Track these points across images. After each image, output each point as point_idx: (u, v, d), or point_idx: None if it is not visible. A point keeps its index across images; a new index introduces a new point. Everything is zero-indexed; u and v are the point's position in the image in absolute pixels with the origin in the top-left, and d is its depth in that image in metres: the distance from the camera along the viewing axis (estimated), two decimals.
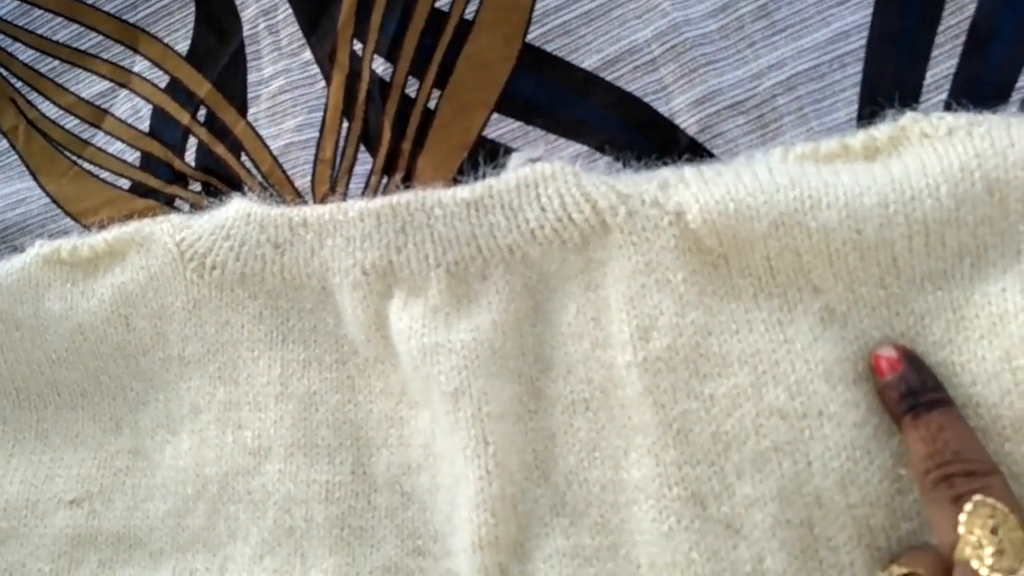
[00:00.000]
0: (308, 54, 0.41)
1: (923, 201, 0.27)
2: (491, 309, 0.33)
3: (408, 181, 0.39)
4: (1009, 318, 0.26)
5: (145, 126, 0.44)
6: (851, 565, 0.27)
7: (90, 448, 0.40)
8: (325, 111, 0.40)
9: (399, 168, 0.39)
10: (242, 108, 0.42)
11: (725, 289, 0.30)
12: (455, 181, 0.38)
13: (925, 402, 0.28)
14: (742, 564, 0.29)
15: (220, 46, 0.43)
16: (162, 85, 0.44)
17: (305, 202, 0.40)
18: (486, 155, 0.37)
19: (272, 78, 0.42)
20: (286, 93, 0.41)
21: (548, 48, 0.37)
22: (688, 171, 0.31)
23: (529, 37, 0.37)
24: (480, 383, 0.33)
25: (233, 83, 0.42)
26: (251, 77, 0.42)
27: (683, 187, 0.30)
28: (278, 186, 0.40)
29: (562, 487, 0.32)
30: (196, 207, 0.42)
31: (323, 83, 0.40)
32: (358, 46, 0.40)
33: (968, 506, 0.26)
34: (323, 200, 0.40)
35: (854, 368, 0.28)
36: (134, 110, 0.44)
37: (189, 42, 0.43)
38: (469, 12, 0.38)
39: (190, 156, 0.42)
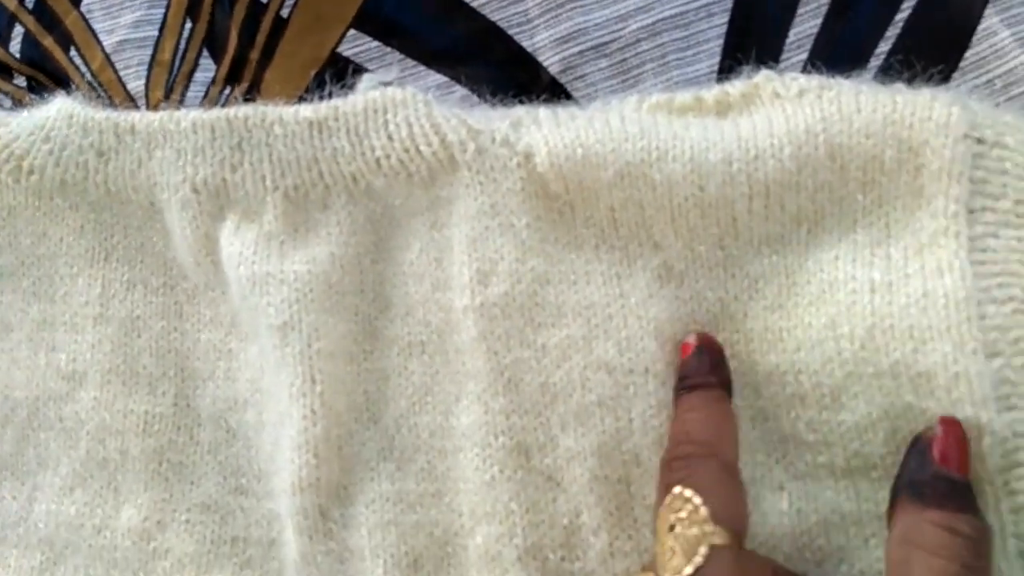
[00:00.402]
0: None
1: (766, 161, 0.26)
2: (330, 241, 0.31)
3: (252, 94, 0.35)
4: (838, 286, 0.26)
5: None
6: None
7: None
8: (167, 8, 0.36)
9: (244, 79, 0.35)
10: None
11: (568, 238, 0.28)
12: (303, 99, 0.34)
13: (688, 384, 0.27)
14: (560, 517, 0.28)
15: None
16: None
17: (137, 108, 0.36)
18: (336, 74, 0.33)
19: None
20: None
21: None
22: (543, 112, 0.29)
23: None
24: (311, 318, 0.30)
25: None
26: None
27: (535, 128, 0.28)
28: (108, 87, 0.36)
29: (391, 431, 0.31)
30: (19, 103, 0.37)
31: None
32: None
33: (667, 499, 0.24)
34: (156, 107, 0.35)
35: (684, 328, 0.27)
36: None
37: None
38: None
39: (15, 46, 0.37)
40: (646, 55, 0.31)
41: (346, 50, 0.34)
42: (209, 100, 0.35)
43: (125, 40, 0.36)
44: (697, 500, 0.23)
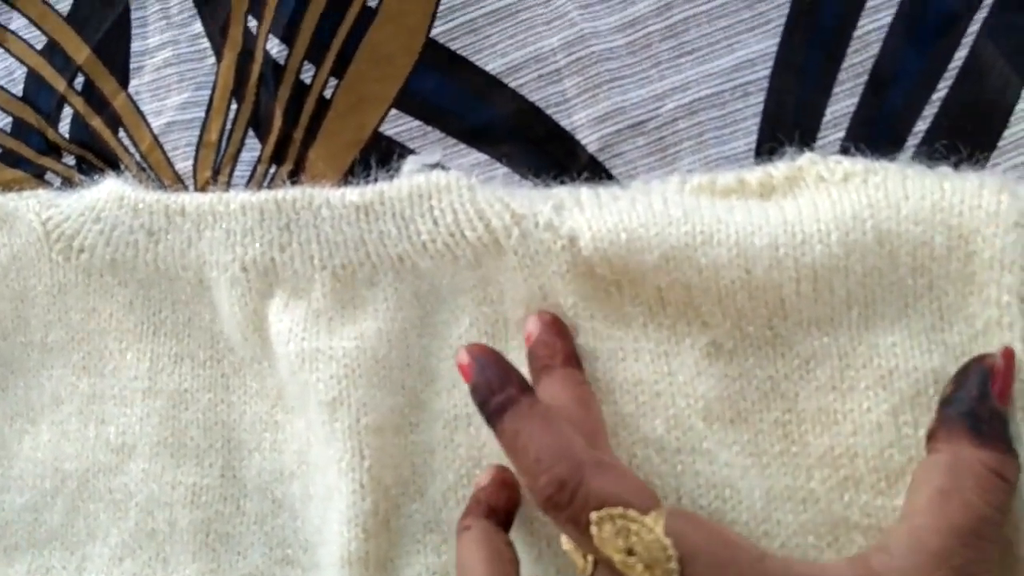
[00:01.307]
0: (199, 26, 0.35)
1: (813, 247, 0.25)
2: (377, 317, 0.30)
3: (297, 173, 0.34)
4: (899, 375, 0.24)
5: (18, 90, 0.37)
6: None
7: None
8: (213, 90, 0.35)
9: (289, 158, 0.34)
10: (123, 79, 0.36)
11: (616, 316, 0.27)
12: (347, 177, 0.33)
13: (495, 409, 0.23)
14: None
15: (104, 8, 0.37)
16: (39, 47, 0.37)
17: (185, 187, 0.35)
18: (384, 154, 0.32)
19: (158, 48, 0.36)
20: (172, 67, 0.35)
21: (452, 46, 0.33)
22: (584, 193, 0.28)
23: (434, 32, 0.33)
24: (360, 393, 0.29)
25: (115, 50, 0.36)
26: (135, 46, 0.36)
27: (577, 211, 0.27)
28: (157, 168, 0.35)
29: (438, 504, 0.29)
30: (69, 182, 0.36)
31: (213, 59, 0.35)
32: (253, 23, 0.34)
33: (594, 531, 0.21)
34: (204, 187, 0.34)
35: (733, 407, 0.26)
36: (7, 71, 0.38)
37: (71, 2, 0.37)
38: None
39: (64, 127, 0.36)
40: (683, 133, 0.30)
41: (388, 129, 0.33)
42: (256, 179, 0.34)
43: (173, 122, 0.35)
44: (618, 508, 0.21)
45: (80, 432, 0.33)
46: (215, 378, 0.32)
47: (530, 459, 0.22)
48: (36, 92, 0.37)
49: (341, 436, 0.29)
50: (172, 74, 0.35)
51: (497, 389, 0.24)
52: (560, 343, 0.26)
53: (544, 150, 0.32)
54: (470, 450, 0.29)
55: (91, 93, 0.36)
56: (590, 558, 0.22)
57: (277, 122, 0.34)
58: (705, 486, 0.25)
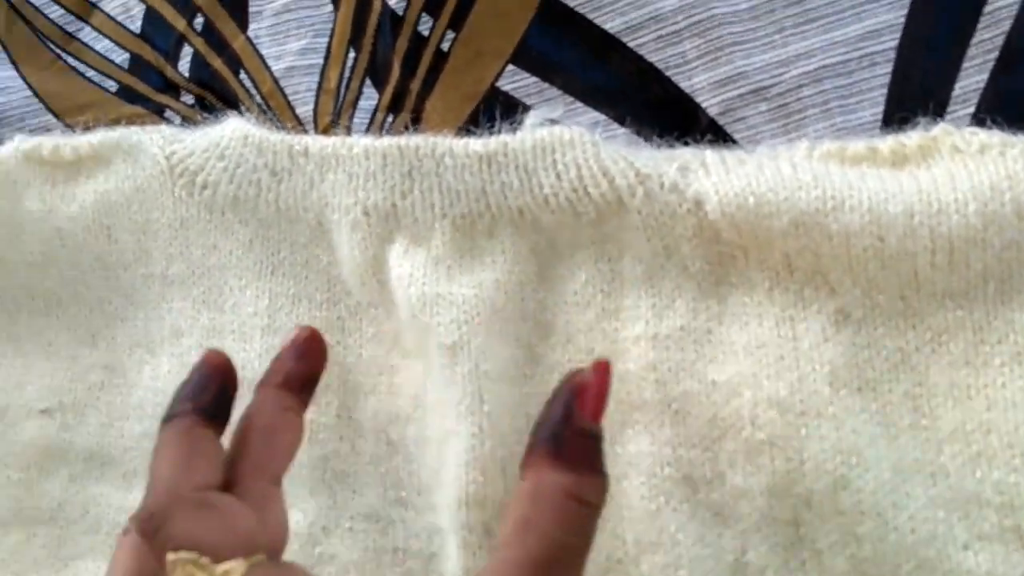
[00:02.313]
0: None
1: (950, 216, 0.23)
2: (495, 268, 0.28)
3: (414, 123, 0.32)
4: None
5: (136, 26, 0.36)
6: (831, 570, 0.24)
7: (63, 359, 0.34)
8: (331, 37, 0.33)
9: (405, 108, 0.32)
10: (242, 22, 0.34)
11: (741, 280, 0.25)
12: (464, 129, 0.31)
13: (166, 415, 0.22)
14: (725, 553, 0.25)
15: None
16: None
17: (306, 131, 0.33)
18: (500, 107, 0.31)
19: None
20: (291, 12, 0.33)
21: (571, 2, 0.31)
22: (710, 156, 0.26)
23: None
24: (479, 340, 0.28)
25: None
26: None
27: (703, 174, 0.25)
28: (278, 111, 0.33)
29: None
30: (188, 120, 0.35)
31: (330, 7, 0.33)
32: None
33: (169, 569, 0.19)
34: (325, 131, 0.33)
35: (860, 375, 0.24)
36: (124, 8, 0.36)
37: None
38: None
39: (184, 66, 0.35)
40: (808, 100, 0.28)
41: (505, 84, 0.31)
42: (375, 126, 0.32)
43: (293, 67, 0.33)
44: (193, 554, 0.19)
45: None
46: (331, 320, 0.31)
47: (150, 479, 0.22)
48: (154, 30, 0.35)
49: (461, 380, 0.27)
50: (291, 19, 0.33)
51: (181, 399, 0.23)
52: (292, 365, 0.25)
53: (663, 112, 0.30)
54: None
55: (211, 34, 0.34)
56: None
57: (394, 73, 0.32)
58: (831, 451, 0.24)
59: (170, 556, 0.19)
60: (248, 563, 0.19)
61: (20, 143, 0.32)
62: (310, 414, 0.31)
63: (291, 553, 0.30)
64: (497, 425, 0.28)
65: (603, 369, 0.21)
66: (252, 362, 0.31)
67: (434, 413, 0.29)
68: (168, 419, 0.23)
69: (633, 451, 0.26)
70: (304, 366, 0.25)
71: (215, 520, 0.20)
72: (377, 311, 0.30)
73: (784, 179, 0.24)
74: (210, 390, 0.23)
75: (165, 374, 0.32)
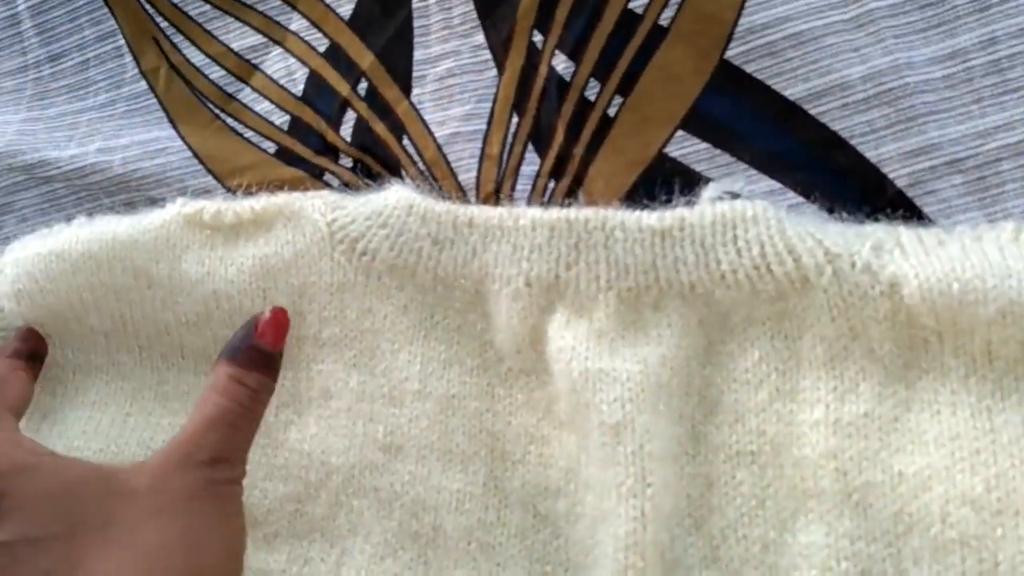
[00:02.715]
0: (481, 37, 0.42)
1: None
2: (661, 343, 0.34)
3: (576, 189, 0.39)
4: None
5: (298, 90, 0.45)
6: None
7: None
8: (494, 102, 0.41)
9: (568, 174, 0.39)
10: (406, 87, 0.42)
11: (934, 366, 0.30)
12: (629, 197, 0.38)
13: None
14: None
15: (385, 15, 0.43)
16: (321, 49, 0.45)
17: (467, 198, 0.41)
18: (668, 175, 0.37)
19: (440, 58, 0.42)
20: (455, 77, 0.42)
21: (748, 68, 0.37)
22: (905, 236, 0.31)
23: (728, 54, 0.37)
24: (644, 419, 0.33)
25: (398, 58, 0.43)
26: (417, 54, 0.43)
27: (900, 255, 0.30)
28: (441, 178, 0.41)
29: (716, 539, 0.33)
30: (348, 185, 0.43)
31: (494, 71, 0.41)
32: (538, 38, 0.40)
33: None
34: (487, 199, 0.40)
35: None
36: (288, 71, 0.45)
37: (353, 6, 0.44)
38: (664, 18, 0.38)
39: (346, 130, 0.43)
40: (1007, 175, 0.33)
41: (673, 151, 0.38)
42: (536, 193, 0.40)
43: (456, 132, 0.41)
44: None
45: (349, 428, 0.39)
46: (482, 386, 0.38)
47: None
48: (317, 94, 0.44)
49: (624, 461, 0.33)
50: (455, 84, 0.41)
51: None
52: (13, 343, 0.41)
53: (846, 182, 0.35)
54: (753, 488, 0.33)
55: (374, 99, 0.43)
56: None
57: (558, 138, 0.39)
58: None
59: None
60: None
61: (181, 207, 0.41)
62: (457, 483, 0.38)
63: None
64: (660, 509, 0.33)
65: (278, 311, 0.37)
66: (402, 427, 0.38)
67: (590, 491, 0.35)
68: None
69: (805, 542, 0.31)
70: (25, 344, 0.41)
71: None
72: (530, 379, 0.37)
73: (992, 265, 0.29)
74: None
75: (312, 436, 0.39)
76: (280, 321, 0.37)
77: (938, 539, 0.29)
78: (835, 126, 0.36)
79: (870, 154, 0.35)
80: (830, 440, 0.31)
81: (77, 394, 0.44)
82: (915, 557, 0.29)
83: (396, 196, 0.38)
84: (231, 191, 0.45)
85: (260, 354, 0.36)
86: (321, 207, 0.40)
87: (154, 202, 0.45)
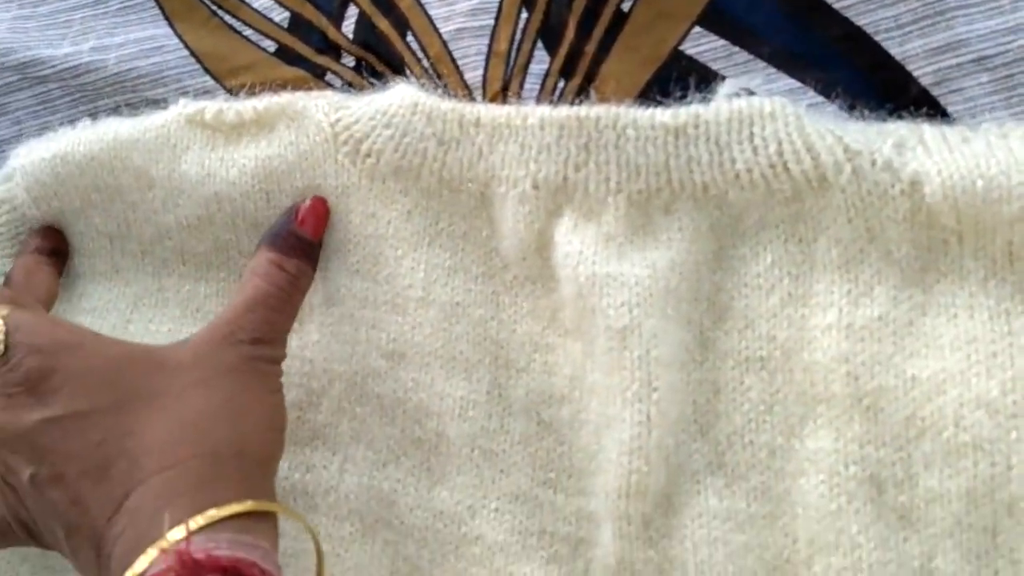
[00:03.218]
0: None
1: None
2: (670, 247, 0.33)
3: (587, 89, 0.38)
4: None
5: None
6: None
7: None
8: None
9: (578, 73, 0.38)
10: None
11: (953, 269, 0.30)
12: (642, 96, 0.37)
13: None
14: (910, 558, 0.29)
15: None
16: None
17: (473, 98, 0.39)
18: (684, 73, 0.36)
19: None
20: None
21: None
22: (929, 133, 0.30)
23: None
24: (651, 323, 0.33)
25: None
26: None
27: (923, 152, 0.30)
28: (446, 76, 0.40)
29: (722, 445, 0.33)
30: (351, 85, 0.42)
31: None
32: None
33: None
34: (494, 99, 0.39)
35: None
36: None
37: None
38: None
39: (348, 27, 0.42)
40: None
41: (689, 48, 0.36)
42: (545, 92, 0.39)
43: (462, 28, 0.40)
44: None
45: (351, 335, 0.39)
46: (487, 294, 0.37)
47: None
48: None
49: (630, 365, 0.33)
50: None
51: None
52: (34, 239, 0.42)
53: (867, 80, 0.34)
54: (761, 394, 0.33)
55: None
56: None
57: (569, 34, 0.38)
58: None
59: None
60: (12, 307, 0.34)
61: (183, 107, 0.41)
62: (460, 390, 0.37)
63: (434, 531, 0.37)
64: (665, 414, 0.33)
65: (317, 200, 0.38)
66: (405, 334, 0.38)
67: (594, 396, 0.34)
68: None
69: (813, 447, 0.31)
70: (46, 240, 0.42)
71: None
72: (535, 287, 0.36)
73: (1018, 162, 0.28)
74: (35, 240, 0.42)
75: (314, 343, 0.39)
76: (319, 211, 0.38)
77: (951, 443, 0.29)
78: (859, 21, 0.34)
79: (895, 51, 0.34)
80: (842, 344, 0.31)
81: (80, 300, 0.44)
82: (926, 461, 0.29)
83: (400, 95, 0.37)
84: (231, 91, 0.44)
85: (300, 241, 0.37)
86: (325, 107, 0.39)
87: (151, 103, 0.44)
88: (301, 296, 0.37)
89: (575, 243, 0.34)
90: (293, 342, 0.40)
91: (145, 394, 0.32)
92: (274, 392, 0.35)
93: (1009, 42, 0.32)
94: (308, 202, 0.37)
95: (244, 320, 0.34)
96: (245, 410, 0.33)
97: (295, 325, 0.40)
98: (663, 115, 0.33)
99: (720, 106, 0.32)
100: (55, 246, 0.42)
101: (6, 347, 0.32)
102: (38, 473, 0.31)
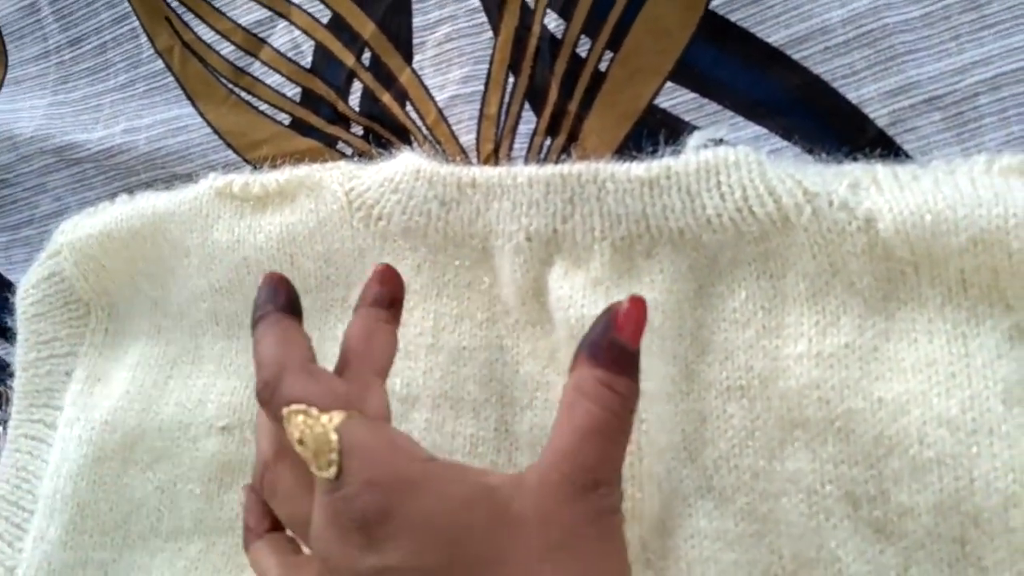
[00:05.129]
0: (476, 1, 0.43)
1: None
2: (653, 288, 0.36)
3: (571, 145, 0.41)
4: None
5: (307, 62, 0.47)
6: None
7: (242, 378, 0.45)
8: (491, 64, 0.42)
9: (563, 131, 0.41)
10: (407, 54, 0.44)
11: (912, 296, 0.32)
12: (622, 150, 0.40)
13: (253, 319, 0.33)
14: (887, 569, 0.31)
15: None
16: (324, 20, 0.47)
17: (469, 160, 0.43)
18: (659, 126, 0.39)
19: (438, 24, 0.44)
20: (452, 41, 0.43)
21: (732, 18, 0.38)
22: (881, 172, 0.32)
23: (713, 4, 0.38)
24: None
25: (398, 26, 0.45)
26: (416, 21, 0.44)
27: (875, 191, 0.32)
28: (443, 140, 0.43)
29: (710, 470, 0.35)
30: (360, 153, 0.45)
31: (490, 33, 0.43)
32: None
33: (284, 423, 0.29)
34: (487, 160, 0.42)
35: None
36: (294, 44, 0.47)
37: None
38: None
39: (354, 100, 0.45)
40: (984, 109, 0.34)
41: (663, 102, 0.39)
42: (533, 150, 0.42)
43: (456, 95, 0.43)
44: (302, 405, 0.29)
45: None
46: (491, 338, 0.40)
47: (256, 361, 0.32)
48: (325, 65, 0.46)
49: None
50: (453, 49, 0.43)
51: (260, 305, 0.33)
52: (374, 287, 0.35)
53: (828, 124, 0.36)
54: (743, 421, 0.35)
55: (378, 68, 0.45)
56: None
57: (553, 95, 0.41)
58: (1002, 469, 0.29)
59: (284, 410, 0.29)
60: (347, 415, 0.29)
61: (213, 181, 0.44)
62: (470, 428, 0.40)
63: None
64: (654, 442, 0.35)
65: (636, 301, 0.31)
66: (417, 379, 0.40)
67: None
68: (257, 320, 0.33)
69: (792, 468, 0.33)
70: (386, 288, 0.36)
71: (318, 383, 0.30)
72: (535, 329, 0.39)
73: (963, 196, 0.30)
74: (282, 293, 0.34)
75: None
76: (639, 316, 0.31)
77: (916, 459, 0.31)
78: (817, 70, 0.37)
79: (851, 95, 0.36)
80: (813, 372, 0.33)
81: (126, 356, 0.47)
82: (895, 477, 0.31)
83: (405, 163, 0.40)
84: (252, 164, 0.48)
85: (624, 354, 0.30)
86: (339, 177, 0.42)
87: (180, 178, 0.48)
88: (632, 421, 0.30)
89: (566, 288, 0.37)
90: None
91: (489, 557, 0.27)
92: (622, 552, 0.30)
93: (957, 82, 0.35)
94: (626, 304, 0.30)
95: (581, 455, 0.29)
96: None
97: None
98: (638, 169, 0.36)
99: (689, 158, 0.35)
100: (393, 295, 0.36)
101: (340, 470, 0.28)
102: None
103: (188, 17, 0.51)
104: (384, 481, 0.28)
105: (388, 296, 0.36)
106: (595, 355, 0.30)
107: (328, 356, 0.42)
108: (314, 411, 0.29)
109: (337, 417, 0.28)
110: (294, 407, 0.29)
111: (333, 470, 0.28)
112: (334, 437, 0.28)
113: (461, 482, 0.29)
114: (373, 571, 0.27)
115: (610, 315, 0.31)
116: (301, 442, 0.28)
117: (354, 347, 0.33)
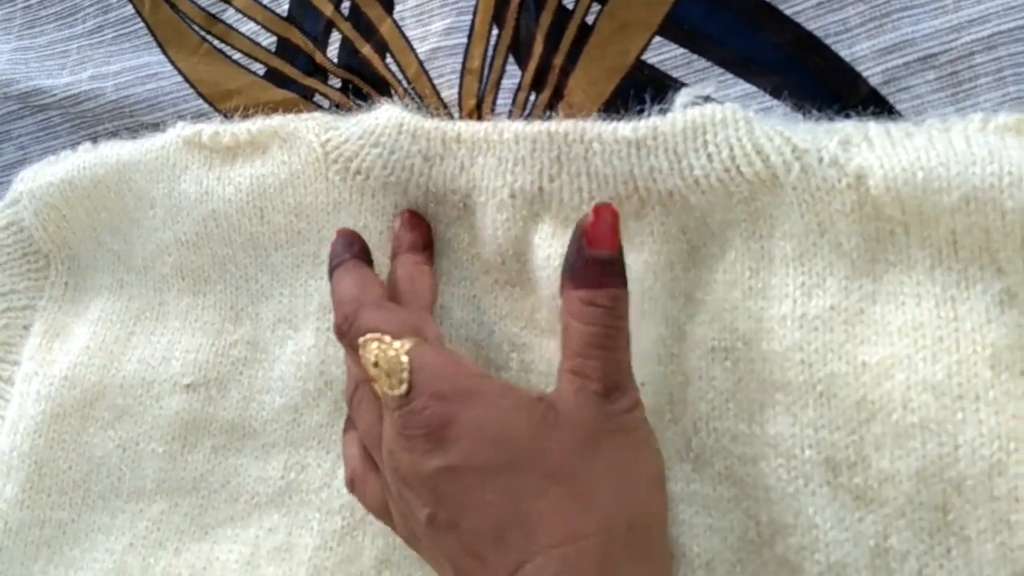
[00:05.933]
0: None
1: None
2: (644, 249, 0.35)
3: (556, 101, 0.39)
4: None
5: (283, 10, 0.45)
6: (979, 558, 0.29)
7: (208, 335, 0.43)
8: (474, 15, 0.41)
9: (548, 85, 0.40)
10: (388, 4, 0.43)
11: (899, 258, 0.31)
12: (608, 105, 0.39)
13: (331, 266, 0.37)
14: (865, 537, 0.31)
15: None
16: None
17: (451, 115, 0.41)
18: (646, 82, 0.37)
19: None
20: None
21: None
22: (874, 129, 0.31)
23: None
24: (626, 322, 0.34)
25: None
26: None
27: (867, 148, 0.31)
28: (424, 94, 0.42)
29: (689, 432, 0.34)
30: (338, 105, 0.44)
31: None
32: None
33: (360, 351, 0.33)
34: (470, 115, 0.41)
35: None
36: None
37: None
38: None
39: (332, 51, 0.44)
40: (980, 68, 0.33)
41: (651, 57, 0.38)
42: (517, 106, 0.40)
43: (437, 48, 0.41)
44: (377, 333, 0.32)
45: None
46: (467, 297, 0.39)
47: (335, 301, 0.36)
48: (303, 14, 0.45)
49: None
50: None
51: (338, 254, 0.37)
52: (406, 235, 0.39)
53: (819, 82, 0.35)
54: (724, 383, 0.34)
55: (358, 18, 0.43)
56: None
57: (538, 48, 0.40)
58: (988, 436, 0.29)
59: (360, 339, 0.33)
60: (416, 341, 0.32)
61: (180, 130, 0.43)
62: None
63: None
64: (644, 404, 0.34)
65: (600, 208, 0.32)
66: None
67: None
68: (335, 266, 0.37)
69: (772, 432, 0.32)
70: (418, 232, 0.39)
71: (390, 315, 0.34)
72: (513, 290, 0.38)
73: (957, 153, 0.29)
74: (356, 243, 0.38)
75: (309, 348, 0.41)
76: (608, 220, 0.32)
77: (899, 424, 0.30)
78: (809, 25, 0.36)
79: (844, 52, 0.35)
80: (796, 334, 0.32)
81: (88, 311, 0.46)
82: (877, 443, 0.31)
83: (387, 115, 0.39)
84: (224, 114, 0.46)
85: (601, 265, 0.32)
86: (315, 128, 0.41)
87: (149, 127, 0.46)
88: (626, 322, 0.32)
89: (555, 247, 0.36)
90: (288, 348, 0.42)
91: (532, 456, 0.30)
92: (644, 445, 0.32)
93: (953, 40, 0.34)
94: (591, 216, 0.32)
95: (586, 368, 0.31)
96: (626, 476, 0.31)
97: (289, 332, 0.42)
98: (624, 129, 0.34)
99: (676, 117, 0.34)
100: (425, 239, 0.39)
101: (410, 387, 0.31)
102: (436, 515, 0.31)
103: None
104: (446, 393, 0.31)
105: (421, 241, 0.39)
106: (573, 277, 0.33)
107: (298, 313, 0.41)
108: (387, 338, 0.32)
109: (408, 343, 0.32)
110: (370, 335, 0.33)
111: (404, 387, 0.31)
112: (405, 359, 0.32)
113: (510, 393, 0.32)
114: (437, 470, 0.30)
115: (579, 231, 0.33)
116: (376, 364, 0.32)
117: (403, 289, 0.37)
